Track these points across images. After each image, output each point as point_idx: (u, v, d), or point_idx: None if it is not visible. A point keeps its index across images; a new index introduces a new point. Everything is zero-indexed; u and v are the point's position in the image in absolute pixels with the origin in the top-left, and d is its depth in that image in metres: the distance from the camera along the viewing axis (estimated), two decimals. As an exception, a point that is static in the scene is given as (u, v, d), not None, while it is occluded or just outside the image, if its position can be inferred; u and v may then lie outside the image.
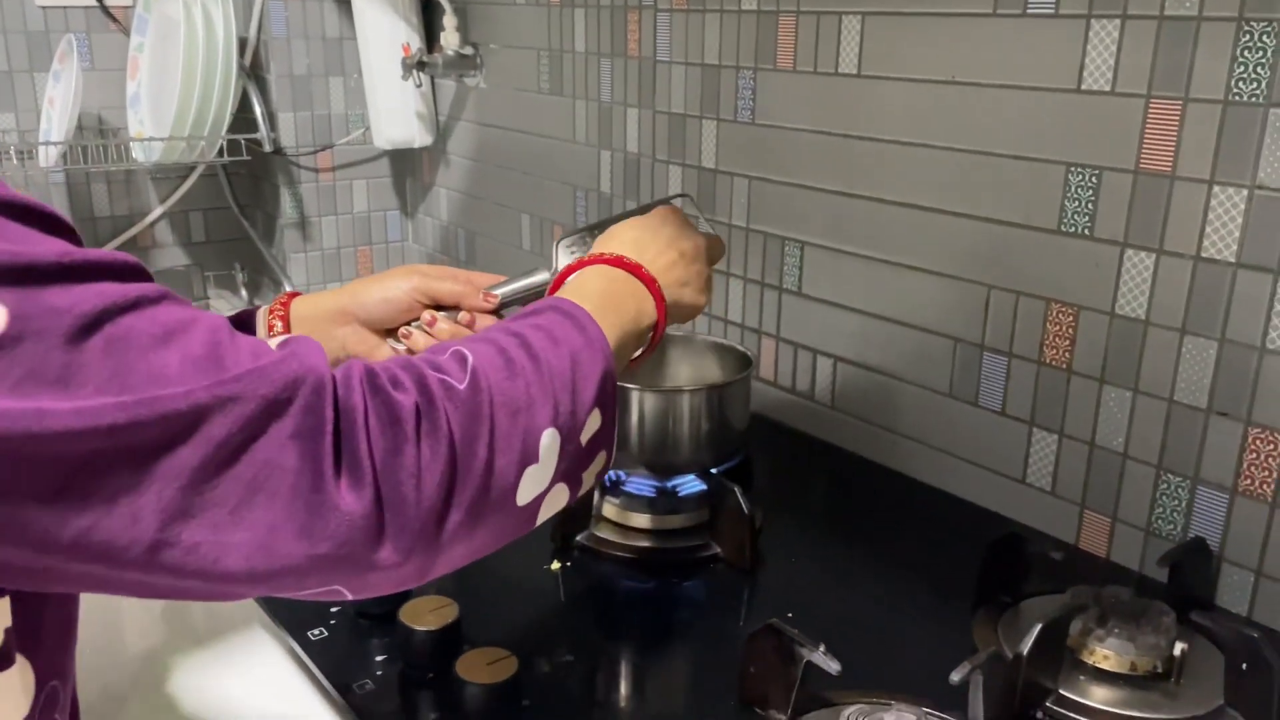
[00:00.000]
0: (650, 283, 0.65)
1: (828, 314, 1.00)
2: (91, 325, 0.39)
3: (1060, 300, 0.80)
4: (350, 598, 0.47)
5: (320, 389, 0.44)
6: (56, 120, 1.33)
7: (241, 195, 1.63)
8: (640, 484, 0.83)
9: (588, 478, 0.56)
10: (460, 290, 0.71)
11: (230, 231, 1.64)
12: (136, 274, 0.42)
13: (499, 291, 0.70)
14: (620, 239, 0.68)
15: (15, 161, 1.38)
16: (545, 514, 0.53)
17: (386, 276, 0.72)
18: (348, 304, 0.71)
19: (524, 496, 0.51)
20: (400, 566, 0.46)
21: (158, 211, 1.58)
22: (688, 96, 1.10)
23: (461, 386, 0.49)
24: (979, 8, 0.81)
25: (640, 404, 0.81)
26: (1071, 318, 0.80)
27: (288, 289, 1.52)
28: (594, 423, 0.55)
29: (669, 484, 0.83)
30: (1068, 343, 0.80)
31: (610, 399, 0.56)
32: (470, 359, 0.51)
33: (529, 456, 0.51)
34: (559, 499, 0.54)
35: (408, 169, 1.62)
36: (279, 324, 0.70)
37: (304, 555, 0.43)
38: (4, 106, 1.46)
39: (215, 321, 0.44)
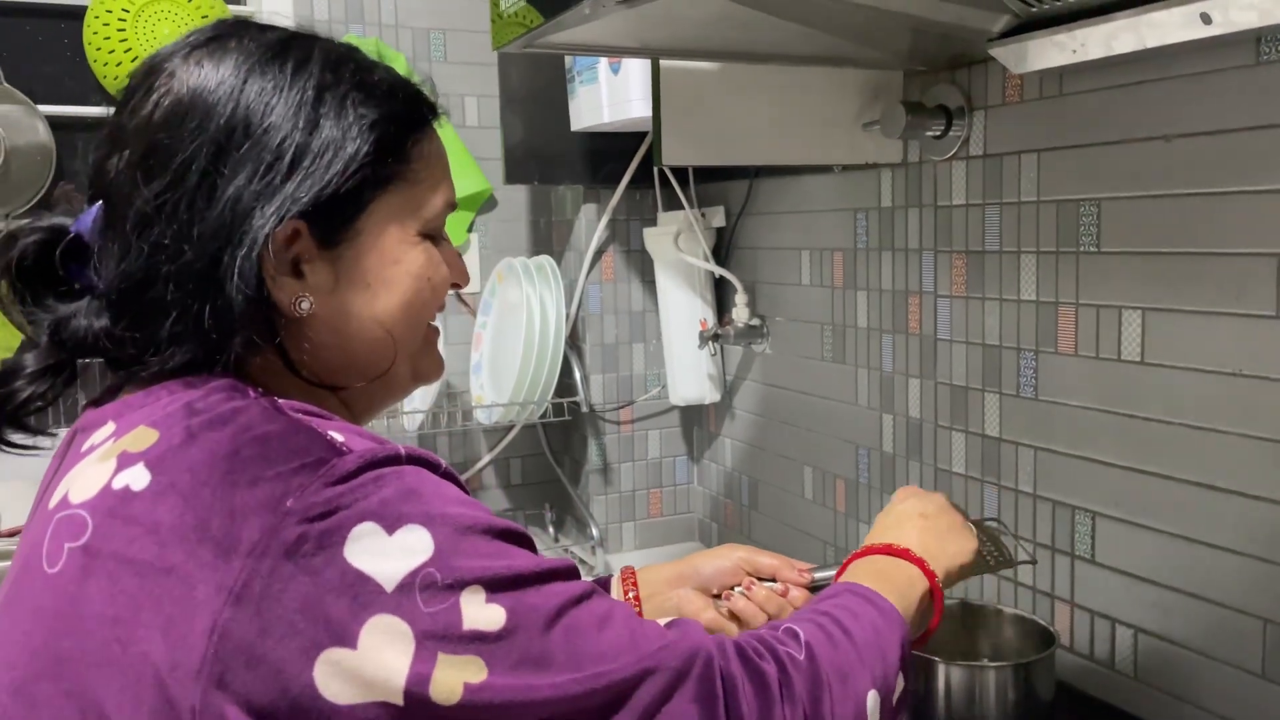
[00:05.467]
0: (904, 553, 0.76)
1: (1124, 583, 1.02)
2: (555, 617, 0.54)
3: (1380, 590, 0.80)
4: None
5: (709, 661, 0.57)
6: (420, 393, 1.61)
7: (554, 444, 1.87)
8: (949, 753, 0.88)
9: None
10: (778, 565, 0.85)
11: (543, 475, 1.87)
12: (573, 574, 0.57)
13: (814, 574, 0.82)
14: (876, 530, 0.80)
15: (384, 422, 1.68)
16: None
17: (719, 551, 0.88)
18: (686, 572, 0.87)
19: None
20: None
21: (486, 459, 1.83)
22: (969, 371, 1.20)
23: (801, 657, 0.61)
24: (1261, 310, 0.88)
25: (948, 677, 0.87)
26: (1395, 609, 0.80)
27: (593, 530, 1.71)
28: (899, 685, 0.65)
29: (977, 755, 0.88)
30: (1394, 634, 0.80)
31: (909, 663, 0.67)
32: (803, 635, 0.63)
33: (860, 715, 0.61)
34: None
35: (695, 420, 1.80)
36: (632, 590, 0.86)
37: None
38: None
39: (626, 609, 0.58)
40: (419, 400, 1.63)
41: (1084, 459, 1.06)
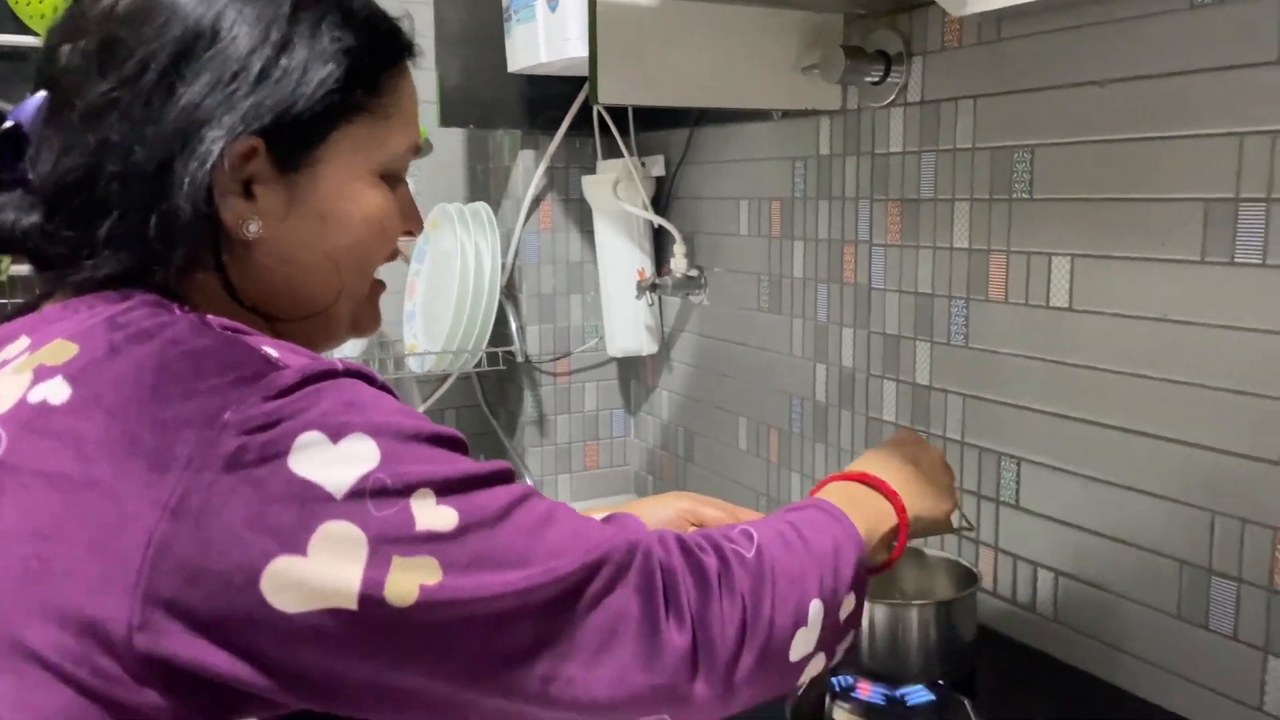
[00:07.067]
0: (890, 493, 0.75)
1: (1047, 528, 1.04)
2: (503, 516, 0.54)
3: (1289, 530, 0.82)
4: None
5: (649, 553, 0.58)
6: (352, 341, 1.58)
7: (489, 395, 1.84)
8: (871, 692, 0.89)
9: (839, 651, 0.67)
10: (723, 516, 0.84)
11: (478, 427, 1.84)
12: (512, 476, 0.57)
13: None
14: (864, 460, 0.80)
15: (313, 370, 1.64)
16: (805, 677, 0.64)
17: (663, 499, 0.87)
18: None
19: (795, 654, 0.62)
20: (708, 701, 0.58)
21: (420, 410, 1.80)
22: (901, 320, 1.20)
23: (749, 555, 0.62)
24: (1187, 255, 0.88)
25: (871, 615, 0.88)
26: (1303, 548, 0.81)
27: (527, 480, 1.69)
28: (849, 604, 0.66)
29: (898, 693, 0.88)
30: (1300, 572, 0.82)
31: (862, 586, 0.68)
32: (756, 536, 0.64)
33: (800, 619, 0.62)
34: (817, 665, 0.65)
35: (632, 372, 1.79)
36: None
37: (647, 686, 0.55)
38: (305, 322, 1.74)
39: (565, 507, 0.58)
40: (350, 348, 1.59)
41: (1011, 405, 1.07)
